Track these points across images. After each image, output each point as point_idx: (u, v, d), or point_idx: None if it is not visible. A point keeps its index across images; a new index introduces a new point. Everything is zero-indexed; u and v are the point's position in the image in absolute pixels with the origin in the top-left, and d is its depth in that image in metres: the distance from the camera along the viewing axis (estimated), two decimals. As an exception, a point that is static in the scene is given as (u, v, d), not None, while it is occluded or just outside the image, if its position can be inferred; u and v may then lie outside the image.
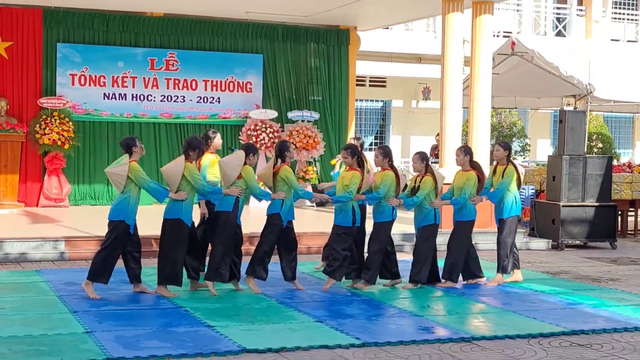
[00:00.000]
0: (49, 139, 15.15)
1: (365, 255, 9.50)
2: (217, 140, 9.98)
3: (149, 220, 10.00)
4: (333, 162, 10.43)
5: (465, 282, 9.84)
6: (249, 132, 16.49)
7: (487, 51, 13.69)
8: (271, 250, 9.13)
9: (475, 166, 9.81)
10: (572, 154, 13.59)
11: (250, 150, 9.04)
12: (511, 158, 10.19)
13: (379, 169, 9.58)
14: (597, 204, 13.65)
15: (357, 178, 9.17)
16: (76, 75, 15.87)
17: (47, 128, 15.16)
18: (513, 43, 16.35)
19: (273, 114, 16.88)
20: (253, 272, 9.03)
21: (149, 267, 9.29)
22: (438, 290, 9.48)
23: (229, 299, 8.62)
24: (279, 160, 9.19)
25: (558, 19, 24.97)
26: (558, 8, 25.13)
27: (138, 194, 8.60)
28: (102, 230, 10.53)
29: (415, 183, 9.59)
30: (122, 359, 6.19)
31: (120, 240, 8.55)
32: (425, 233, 9.55)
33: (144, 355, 6.27)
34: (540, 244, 13.59)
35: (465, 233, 9.76)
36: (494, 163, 10.22)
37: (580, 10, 25.06)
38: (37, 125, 15.19)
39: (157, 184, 8.84)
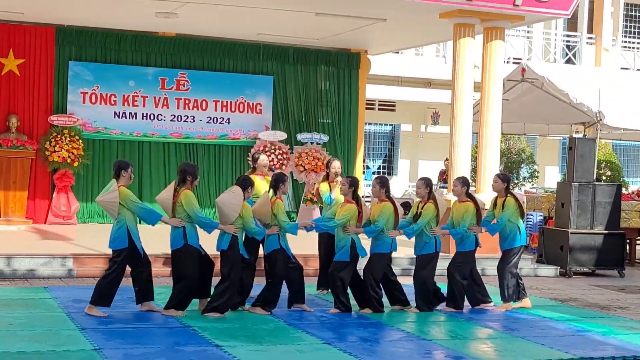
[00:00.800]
0: (59, 157, 15.20)
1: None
2: (260, 162, 10.04)
3: (152, 239, 10.00)
4: (324, 186, 10.35)
5: (472, 307, 9.81)
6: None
7: (498, 76, 13.72)
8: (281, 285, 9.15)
9: (471, 197, 9.81)
10: (582, 181, 13.58)
11: (247, 184, 8.91)
12: (510, 189, 10.14)
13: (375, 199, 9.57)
14: (605, 231, 13.62)
15: (353, 211, 9.15)
16: (87, 93, 15.94)
17: (57, 145, 15.21)
18: (523, 69, 16.38)
19: (282, 135, 16.92)
20: (263, 305, 9.04)
21: (155, 287, 9.26)
22: (445, 315, 9.45)
23: (237, 319, 8.60)
24: (273, 193, 9.14)
25: (568, 47, 25.03)
26: (568, 36, 25.21)
27: (134, 217, 8.58)
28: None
29: (417, 209, 9.59)
30: (130, 377, 6.19)
31: (124, 266, 8.56)
32: (425, 261, 9.52)
33: (152, 374, 6.28)
34: (548, 270, 13.55)
35: (466, 262, 9.73)
36: (494, 195, 10.18)
37: (590, 38, 25.13)
38: (47, 143, 15.24)
39: (149, 208, 8.75)
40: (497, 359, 7.31)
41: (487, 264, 12.20)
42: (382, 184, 9.41)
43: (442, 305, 9.69)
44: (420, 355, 7.38)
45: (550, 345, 7.93)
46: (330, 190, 10.27)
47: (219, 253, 8.75)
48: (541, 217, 15.71)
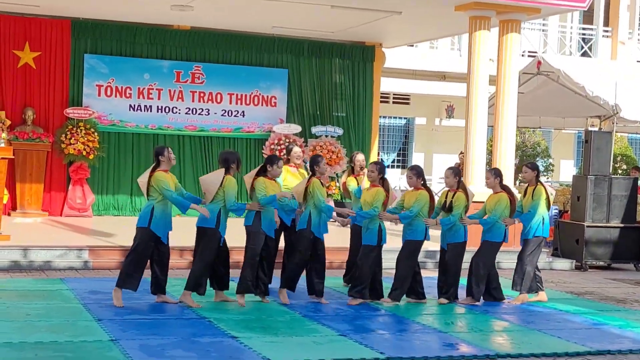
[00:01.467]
0: (74, 149, 15.25)
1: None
2: (294, 153, 10.08)
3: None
4: (351, 180, 10.35)
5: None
6: (272, 147, 16.52)
7: (514, 69, 13.67)
8: (304, 265, 9.19)
9: (505, 188, 9.80)
10: (598, 174, 13.53)
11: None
12: (540, 178, 10.13)
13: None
14: (621, 225, 13.57)
15: (381, 195, 9.16)
16: (102, 86, 15.98)
17: (73, 138, 15.26)
18: (539, 62, 16.30)
19: (297, 128, 16.92)
20: (287, 286, 9.12)
21: (171, 278, 9.29)
22: (461, 308, 9.43)
23: (252, 311, 8.62)
24: (311, 174, 9.27)
25: (584, 40, 24.89)
26: (584, 29, 25.06)
27: (165, 202, 8.61)
28: (126, 240, 10.67)
29: (446, 198, 9.58)
30: (147, 368, 6.21)
31: (144, 247, 8.57)
32: (456, 249, 9.54)
33: (168, 364, 6.29)
34: (564, 264, 13.51)
35: (491, 253, 9.72)
36: (524, 185, 10.18)
37: (606, 31, 24.97)
38: (63, 135, 15.29)
39: (178, 198, 8.73)
40: (514, 351, 7.28)
41: (503, 257, 12.13)
42: (419, 174, 9.47)
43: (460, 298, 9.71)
44: (437, 347, 7.37)
45: (567, 339, 7.91)
46: (358, 183, 10.27)
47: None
48: (556, 211, 15.64)
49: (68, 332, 7.24)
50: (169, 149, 8.89)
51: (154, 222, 8.54)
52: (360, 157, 10.58)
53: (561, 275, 12.68)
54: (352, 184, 10.39)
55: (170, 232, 8.76)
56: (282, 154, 16.22)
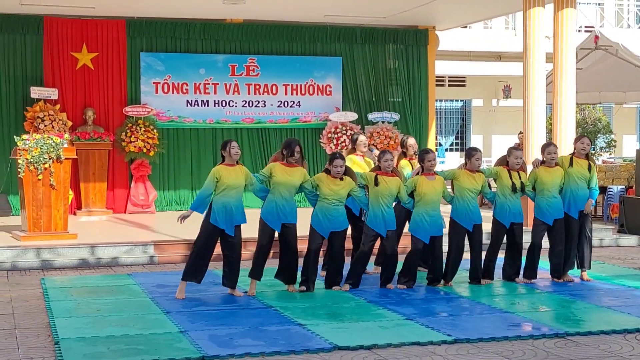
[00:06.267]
0: (135, 147, 15.47)
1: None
2: (360, 142, 10.21)
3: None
4: (404, 162, 10.35)
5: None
6: (329, 135, 16.55)
7: (571, 45, 13.44)
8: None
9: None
10: (662, 147, 13.26)
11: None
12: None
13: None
14: (688, 198, 13.29)
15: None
16: (159, 83, 16.18)
17: (133, 136, 15.48)
18: (596, 37, 16.05)
19: (353, 116, 16.91)
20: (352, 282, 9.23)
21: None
22: (524, 287, 9.36)
23: (318, 298, 8.66)
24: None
25: (641, 12, 24.41)
26: (641, 0, 24.58)
27: (221, 196, 8.58)
28: (189, 234, 10.79)
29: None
30: (217, 357, 6.28)
31: (204, 240, 8.63)
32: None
33: (238, 353, 6.36)
34: (630, 240, 13.30)
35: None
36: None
37: (664, 1, 24.47)
38: (123, 134, 15.52)
39: (200, 195, 8.67)
40: (584, 329, 7.20)
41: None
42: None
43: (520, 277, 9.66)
44: (504, 328, 7.32)
45: (637, 315, 7.79)
46: (412, 167, 10.25)
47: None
48: (622, 188, 15.34)
49: (138, 325, 7.37)
50: (233, 142, 8.72)
51: (212, 216, 8.62)
52: (411, 141, 10.59)
53: (628, 252, 12.48)
54: (407, 168, 10.35)
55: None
56: (344, 144, 16.20)
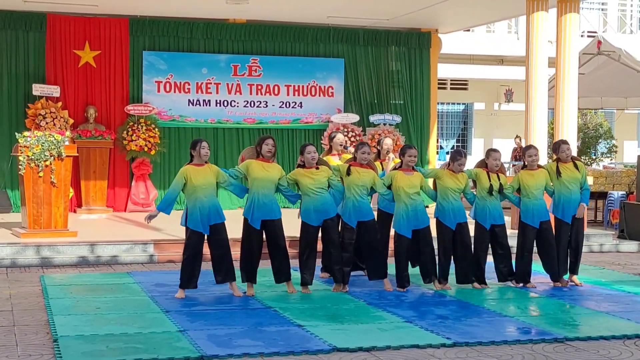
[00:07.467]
0: (136, 145, 15.47)
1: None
2: (336, 140, 10.29)
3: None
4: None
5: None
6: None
7: (574, 50, 13.45)
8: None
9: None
10: (663, 153, 13.26)
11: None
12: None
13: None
14: (689, 204, 13.28)
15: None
16: (161, 82, 16.18)
17: (134, 134, 15.48)
18: (599, 42, 16.06)
19: (355, 117, 16.91)
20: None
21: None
22: (524, 292, 9.35)
23: (317, 300, 8.66)
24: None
25: (644, 18, 24.42)
26: (644, 6, 24.58)
27: (193, 198, 8.62)
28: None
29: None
30: (216, 357, 6.27)
31: (190, 247, 8.65)
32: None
33: (237, 353, 6.34)
34: (631, 246, 13.29)
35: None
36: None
37: (667, 8, 24.47)
38: (125, 132, 15.52)
39: (166, 194, 8.85)
40: (583, 334, 7.19)
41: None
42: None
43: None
44: (503, 332, 7.31)
45: (637, 321, 7.78)
46: (382, 169, 10.29)
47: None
48: (623, 194, 15.34)
49: (137, 324, 7.37)
50: (203, 142, 8.74)
51: (189, 220, 8.64)
52: (388, 141, 10.66)
53: (628, 258, 12.48)
54: (377, 168, 10.36)
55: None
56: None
